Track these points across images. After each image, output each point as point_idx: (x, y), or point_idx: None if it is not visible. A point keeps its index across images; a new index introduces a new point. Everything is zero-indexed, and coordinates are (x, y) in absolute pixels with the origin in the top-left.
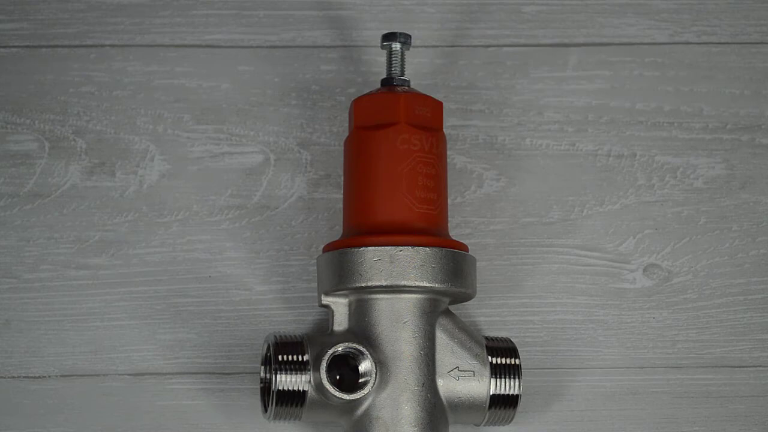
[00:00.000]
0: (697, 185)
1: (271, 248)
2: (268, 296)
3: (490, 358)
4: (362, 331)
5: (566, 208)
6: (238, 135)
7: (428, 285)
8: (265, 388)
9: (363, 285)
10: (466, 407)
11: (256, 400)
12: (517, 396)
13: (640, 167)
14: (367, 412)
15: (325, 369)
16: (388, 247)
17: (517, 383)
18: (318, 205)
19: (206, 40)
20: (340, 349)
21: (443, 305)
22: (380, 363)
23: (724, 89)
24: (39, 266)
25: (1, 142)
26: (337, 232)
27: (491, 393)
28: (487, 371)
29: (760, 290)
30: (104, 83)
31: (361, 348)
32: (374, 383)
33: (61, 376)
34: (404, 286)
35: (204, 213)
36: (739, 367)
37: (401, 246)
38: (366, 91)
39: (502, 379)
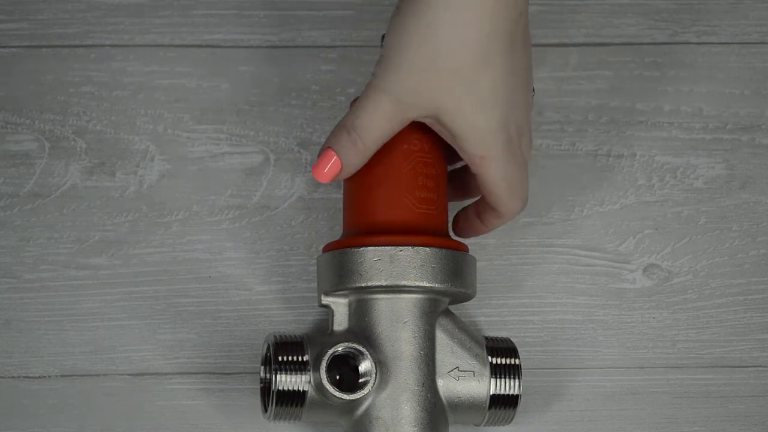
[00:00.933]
0: (697, 185)
1: (271, 248)
2: (268, 296)
3: (490, 358)
4: (362, 331)
5: (566, 208)
6: (238, 135)
7: (428, 285)
8: (265, 388)
9: (363, 285)
10: (466, 407)
11: (256, 400)
12: (517, 396)
13: (640, 167)
14: (367, 412)
15: (325, 369)
16: (388, 247)
17: (517, 383)
18: (318, 205)
19: (206, 40)
20: (340, 349)
21: (443, 305)
22: (380, 363)
23: (724, 89)
24: (39, 266)
25: (1, 142)
26: (337, 232)
27: (491, 393)
28: (487, 371)
29: (760, 290)
30: (104, 83)
31: (360, 348)
32: (374, 383)
33: (61, 376)
34: (404, 286)
35: (204, 213)
36: (739, 367)
37: (401, 246)
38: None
39: (502, 379)
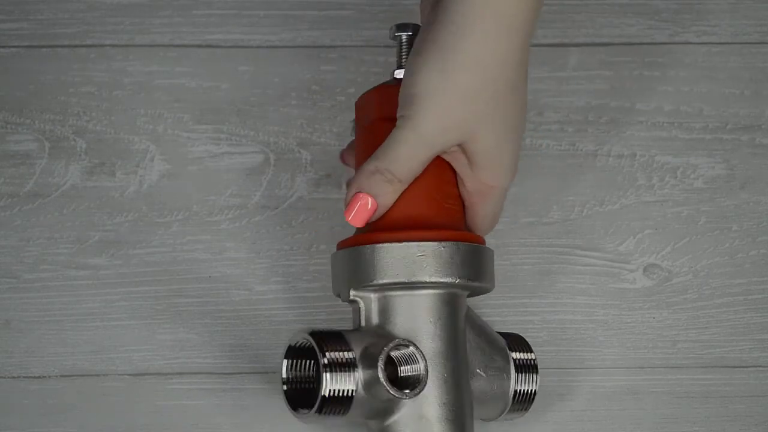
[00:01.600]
0: (697, 185)
1: (271, 248)
2: (268, 296)
3: (512, 353)
4: (395, 327)
5: (566, 208)
6: (238, 135)
7: (467, 282)
8: (297, 388)
9: (404, 281)
10: (491, 403)
11: (256, 400)
12: (536, 391)
13: (640, 167)
14: (407, 412)
15: (382, 367)
16: (433, 243)
17: (536, 378)
18: (318, 205)
19: (206, 40)
20: (391, 346)
21: (465, 301)
22: None
23: (724, 89)
24: (39, 266)
25: (1, 142)
26: (337, 233)
27: (514, 389)
28: (511, 368)
29: (760, 290)
30: (104, 83)
31: (414, 345)
32: (425, 380)
33: (61, 376)
34: (443, 282)
35: (204, 213)
36: (739, 367)
37: (444, 242)
38: (364, 91)
39: (524, 375)
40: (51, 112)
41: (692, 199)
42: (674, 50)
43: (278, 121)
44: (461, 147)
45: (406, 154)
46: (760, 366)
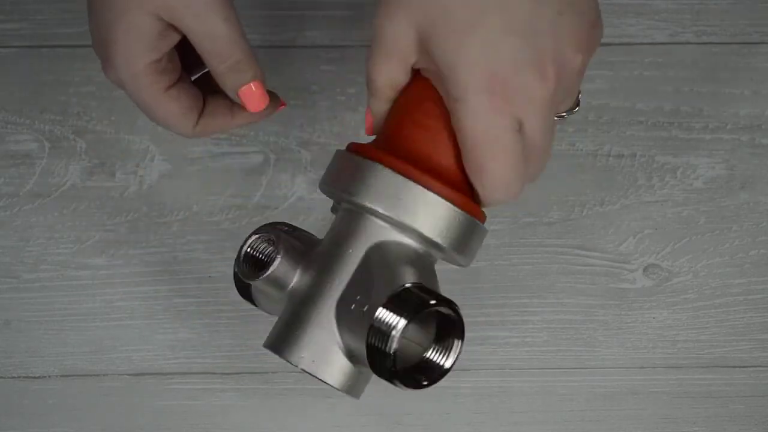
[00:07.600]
0: (697, 185)
1: None
2: None
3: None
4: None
5: (566, 208)
6: (238, 135)
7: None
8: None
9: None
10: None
11: (256, 401)
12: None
13: (640, 167)
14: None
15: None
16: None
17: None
18: (318, 205)
19: None
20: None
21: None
22: None
23: (724, 89)
24: (39, 266)
25: (1, 142)
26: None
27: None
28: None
29: (760, 290)
30: (104, 83)
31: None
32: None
33: (61, 376)
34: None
35: (204, 213)
36: (739, 367)
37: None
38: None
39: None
40: (51, 112)
41: (692, 199)
42: (674, 50)
43: (278, 121)
44: None
45: None
46: (760, 366)
